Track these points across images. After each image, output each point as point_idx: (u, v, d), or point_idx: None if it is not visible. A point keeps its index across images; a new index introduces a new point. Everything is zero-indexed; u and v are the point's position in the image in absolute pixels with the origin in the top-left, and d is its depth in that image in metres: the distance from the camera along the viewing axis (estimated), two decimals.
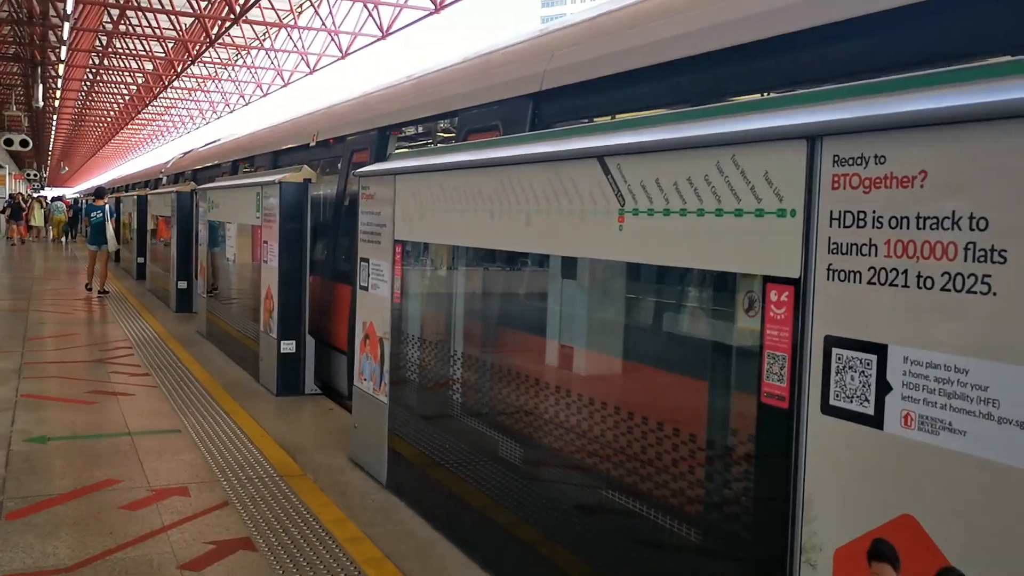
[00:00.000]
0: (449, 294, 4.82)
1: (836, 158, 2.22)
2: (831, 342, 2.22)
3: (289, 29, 27.64)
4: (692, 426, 2.90)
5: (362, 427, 5.49)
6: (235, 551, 4.10)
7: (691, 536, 2.78)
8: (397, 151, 7.27)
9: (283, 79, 32.71)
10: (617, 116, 4.30)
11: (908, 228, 2.03)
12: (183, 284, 13.36)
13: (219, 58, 32.66)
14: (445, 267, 4.91)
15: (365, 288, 5.40)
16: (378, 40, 24.17)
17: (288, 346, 7.65)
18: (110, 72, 36.87)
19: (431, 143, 7.21)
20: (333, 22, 25.37)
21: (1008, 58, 1.97)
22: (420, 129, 7.23)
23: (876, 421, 2.09)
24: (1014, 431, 1.79)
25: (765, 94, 3.52)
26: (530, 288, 4.40)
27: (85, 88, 42.00)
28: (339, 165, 8.26)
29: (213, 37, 24.59)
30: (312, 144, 9.24)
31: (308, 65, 29.40)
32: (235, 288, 9.71)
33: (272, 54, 31.02)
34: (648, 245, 2.89)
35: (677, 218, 2.75)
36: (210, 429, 6.34)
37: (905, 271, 2.03)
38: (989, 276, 1.85)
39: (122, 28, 28.00)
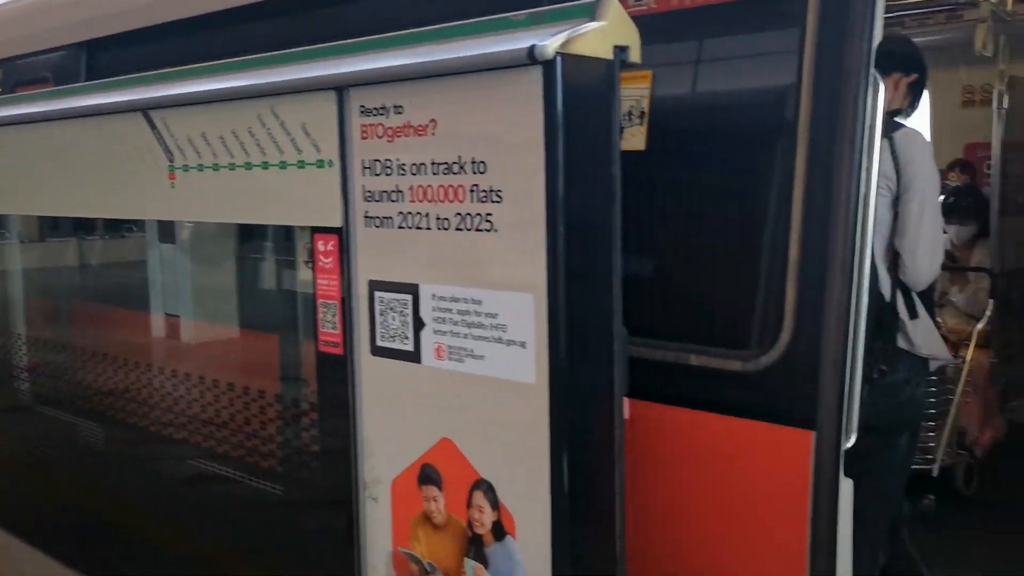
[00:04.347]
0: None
1: (362, 108, 2.30)
2: (374, 286, 2.32)
3: None
4: (265, 381, 2.90)
5: None
6: None
7: (271, 489, 2.81)
8: None
9: None
10: (171, 66, 4.06)
11: (426, 174, 2.17)
12: None
13: None
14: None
15: None
16: None
17: None
18: None
19: None
20: None
21: (503, 15, 2.16)
22: None
23: (415, 356, 2.23)
24: (518, 350, 2.01)
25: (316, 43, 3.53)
26: (104, 257, 4.08)
27: None
28: None
29: None
30: None
31: None
32: None
33: None
34: (201, 202, 2.79)
35: (227, 172, 2.68)
36: None
37: (427, 214, 2.18)
38: (491, 215, 2.04)
39: None
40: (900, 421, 2.72)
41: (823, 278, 2.15)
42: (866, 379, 2.59)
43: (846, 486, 2.20)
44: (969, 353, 4.62)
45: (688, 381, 2.36)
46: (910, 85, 2.89)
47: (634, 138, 2.58)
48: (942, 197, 5.52)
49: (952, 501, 4.44)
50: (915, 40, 5.44)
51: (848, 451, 2.24)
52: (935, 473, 4.32)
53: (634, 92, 2.59)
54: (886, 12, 5.23)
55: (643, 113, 2.59)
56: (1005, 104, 4.94)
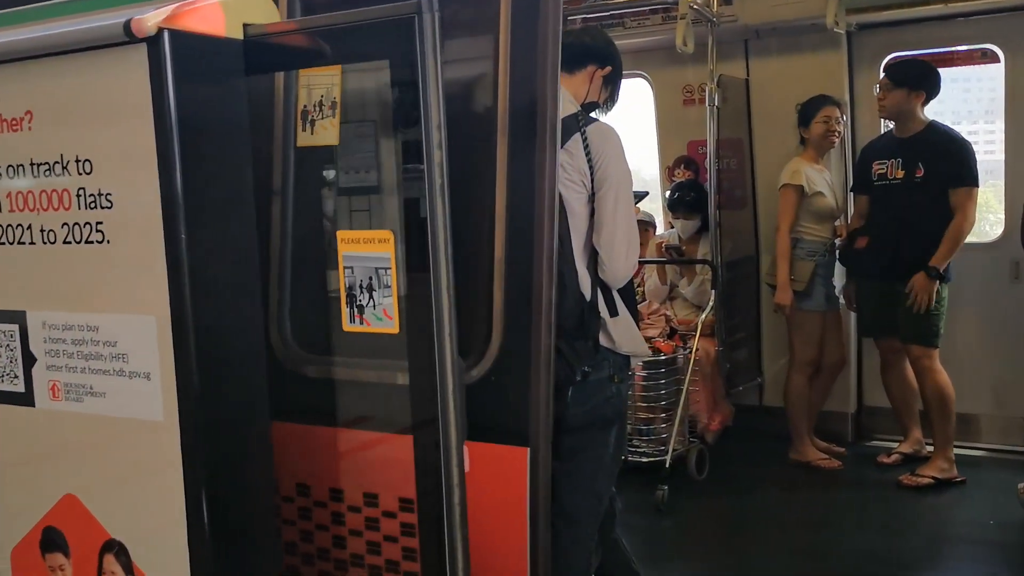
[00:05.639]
0: None
1: None
2: None
3: None
4: None
5: None
6: None
7: None
8: None
9: None
10: None
11: (25, 177, 1.80)
12: None
13: None
14: None
15: None
16: None
17: None
18: None
19: None
20: None
21: None
22: None
23: (27, 398, 1.85)
24: (143, 383, 1.69)
25: None
26: None
27: None
28: None
29: None
30: None
31: None
32: None
33: None
34: None
35: None
36: None
37: (29, 226, 1.81)
38: (102, 223, 1.72)
39: None
40: (610, 416, 2.63)
41: (530, 280, 1.98)
42: (571, 381, 2.49)
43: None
44: (695, 343, 4.75)
45: None
46: (605, 78, 2.83)
47: (326, 132, 2.31)
48: (668, 192, 5.72)
49: (686, 488, 4.54)
50: (637, 41, 5.64)
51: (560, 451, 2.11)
52: (668, 464, 4.39)
53: (322, 80, 2.33)
54: (604, 11, 5.30)
55: (335, 103, 2.33)
56: (718, 102, 5.15)
